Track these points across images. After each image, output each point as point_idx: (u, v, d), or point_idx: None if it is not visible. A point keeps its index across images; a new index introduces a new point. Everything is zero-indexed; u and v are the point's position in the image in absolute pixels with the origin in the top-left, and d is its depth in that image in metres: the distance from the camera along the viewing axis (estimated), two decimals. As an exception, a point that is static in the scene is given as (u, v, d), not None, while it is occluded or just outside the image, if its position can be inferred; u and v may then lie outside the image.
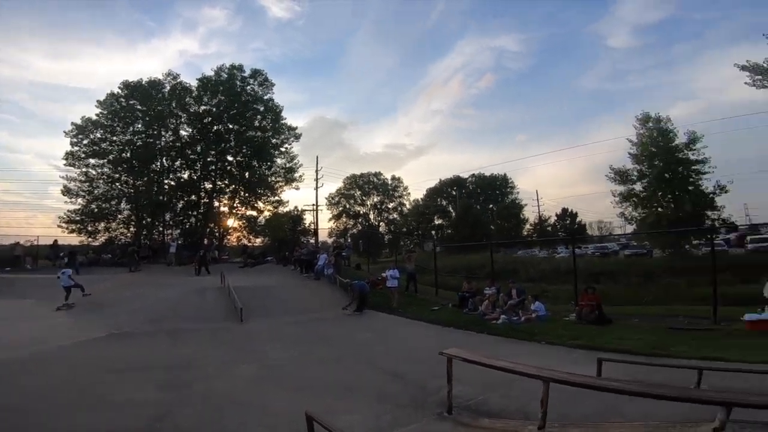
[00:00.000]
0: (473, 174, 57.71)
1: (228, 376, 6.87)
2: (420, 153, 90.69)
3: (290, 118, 44.54)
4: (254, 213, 33.14)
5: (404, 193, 53.57)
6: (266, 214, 32.99)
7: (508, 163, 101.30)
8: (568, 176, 75.48)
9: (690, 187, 23.29)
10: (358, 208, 53.41)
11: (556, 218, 51.78)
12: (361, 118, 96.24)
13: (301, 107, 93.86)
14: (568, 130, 78.07)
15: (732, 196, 23.04)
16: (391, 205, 53.36)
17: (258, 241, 32.58)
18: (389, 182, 53.43)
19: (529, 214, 54.07)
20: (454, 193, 56.01)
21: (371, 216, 53.06)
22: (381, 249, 47.02)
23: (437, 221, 56.12)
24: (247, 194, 32.76)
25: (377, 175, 53.32)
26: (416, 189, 73.64)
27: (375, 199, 53.10)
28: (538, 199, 52.50)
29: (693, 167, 23.37)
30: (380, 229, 52.15)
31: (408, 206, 54.19)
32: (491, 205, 56.67)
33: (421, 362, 6.83)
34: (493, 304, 12.10)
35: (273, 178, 33.34)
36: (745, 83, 21.32)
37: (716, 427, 2.69)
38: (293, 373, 7.13)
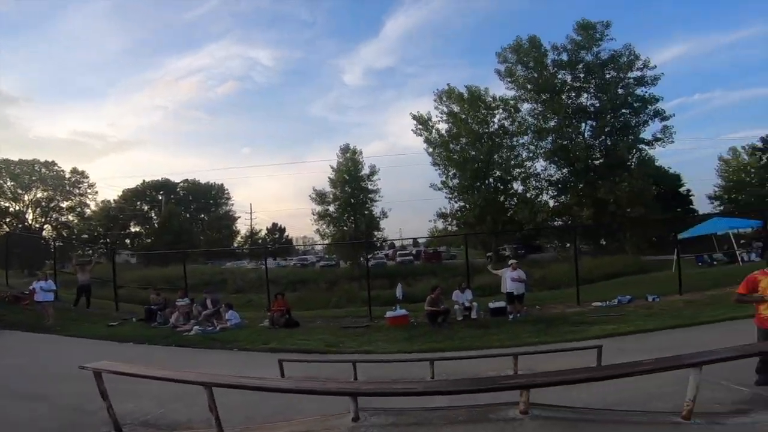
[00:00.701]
0: (186, 179, 53.04)
1: None
2: (124, 148, 75.58)
3: None
4: None
5: (89, 191, 42.96)
6: None
7: (227, 171, 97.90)
8: (283, 193, 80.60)
9: (366, 212, 30.10)
10: (7, 204, 38.83)
11: (267, 231, 54.29)
12: (47, 96, 72.15)
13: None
14: (291, 150, 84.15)
15: (391, 220, 31.57)
16: (66, 204, 41.53)
17: None
18: (67, 175, 41.58)
19: (242, 226, 54.45)
20: (160, 197, 49.40)
21: (29, 215, 39.58)
22: (45, 258, 35.48)
23: (134, 228, 47.90)
24: None
25: (49, 164, 40.53)
26: (110, 188, 60.93)
27: (39, 195, 39.99)
28: (251, 212, 53.57)
29: (369, 195, 30.38)
30: (44, 232, 39.49)
31: (94, 207, 43.76)
32: (203, 215, 53.49)
33: (81, 382, 5.59)
34: (186, 315, 11.58)
35: None
36: (412, 130, 30.19)
37: (353, 417, 3.12)
38: None
